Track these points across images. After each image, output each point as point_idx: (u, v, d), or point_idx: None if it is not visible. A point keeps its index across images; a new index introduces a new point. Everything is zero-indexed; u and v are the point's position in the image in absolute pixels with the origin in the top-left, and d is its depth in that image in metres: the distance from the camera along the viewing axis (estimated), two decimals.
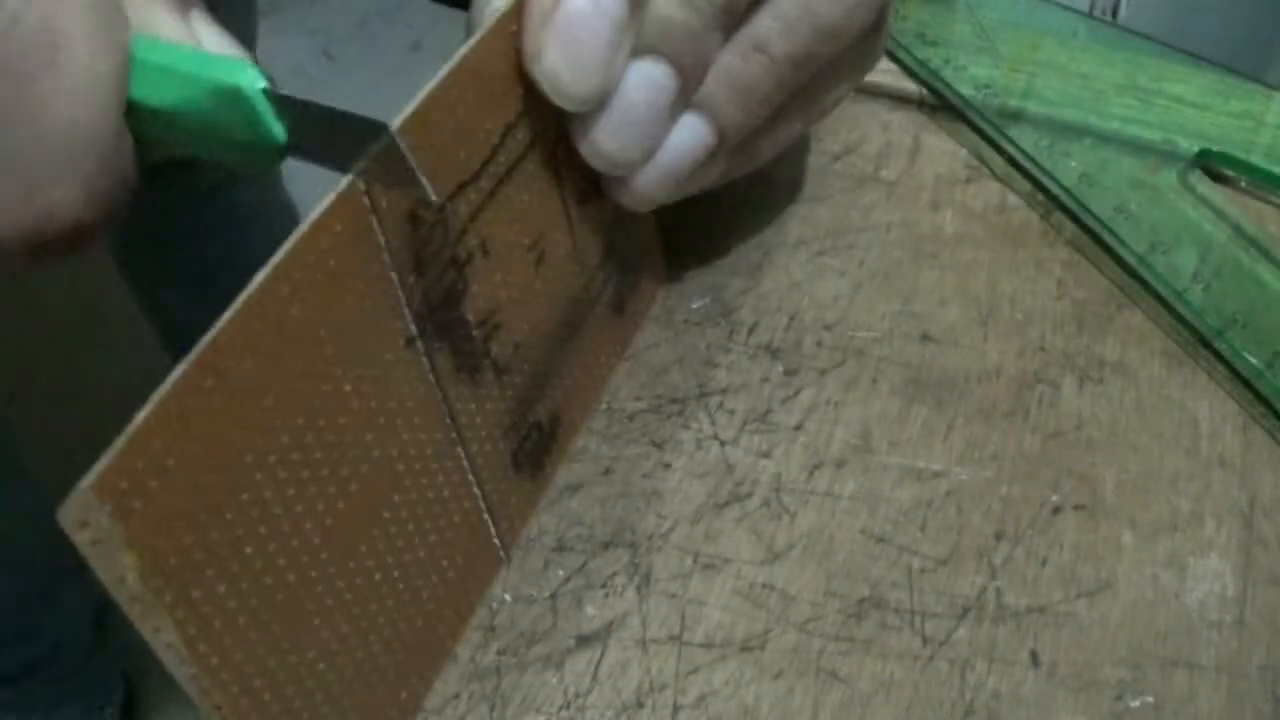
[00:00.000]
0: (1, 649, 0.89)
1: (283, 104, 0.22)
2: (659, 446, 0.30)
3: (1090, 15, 0.49)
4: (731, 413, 0.30)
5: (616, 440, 0.30)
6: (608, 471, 0.29)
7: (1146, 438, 0.30)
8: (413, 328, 0.23)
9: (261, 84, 0.22)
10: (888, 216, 0.35)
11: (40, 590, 0.91)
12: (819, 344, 0.32)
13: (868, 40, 0.29)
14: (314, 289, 0.21)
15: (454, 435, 0.25)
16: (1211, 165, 0.36)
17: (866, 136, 0.38)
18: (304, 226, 0.21)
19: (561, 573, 0.27)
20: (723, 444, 0.30)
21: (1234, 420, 0.31)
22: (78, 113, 0.20)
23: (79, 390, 1.24)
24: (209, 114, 0.22)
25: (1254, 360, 0.31)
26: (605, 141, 0.26)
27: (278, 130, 0.22)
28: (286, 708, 0.21)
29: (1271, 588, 0.27)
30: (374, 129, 0.21)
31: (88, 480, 0.17)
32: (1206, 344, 0.32)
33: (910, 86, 0.39)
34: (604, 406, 0.30)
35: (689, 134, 0.27)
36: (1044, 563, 0.28)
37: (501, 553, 0.27)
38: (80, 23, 0.20)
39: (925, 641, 0.26)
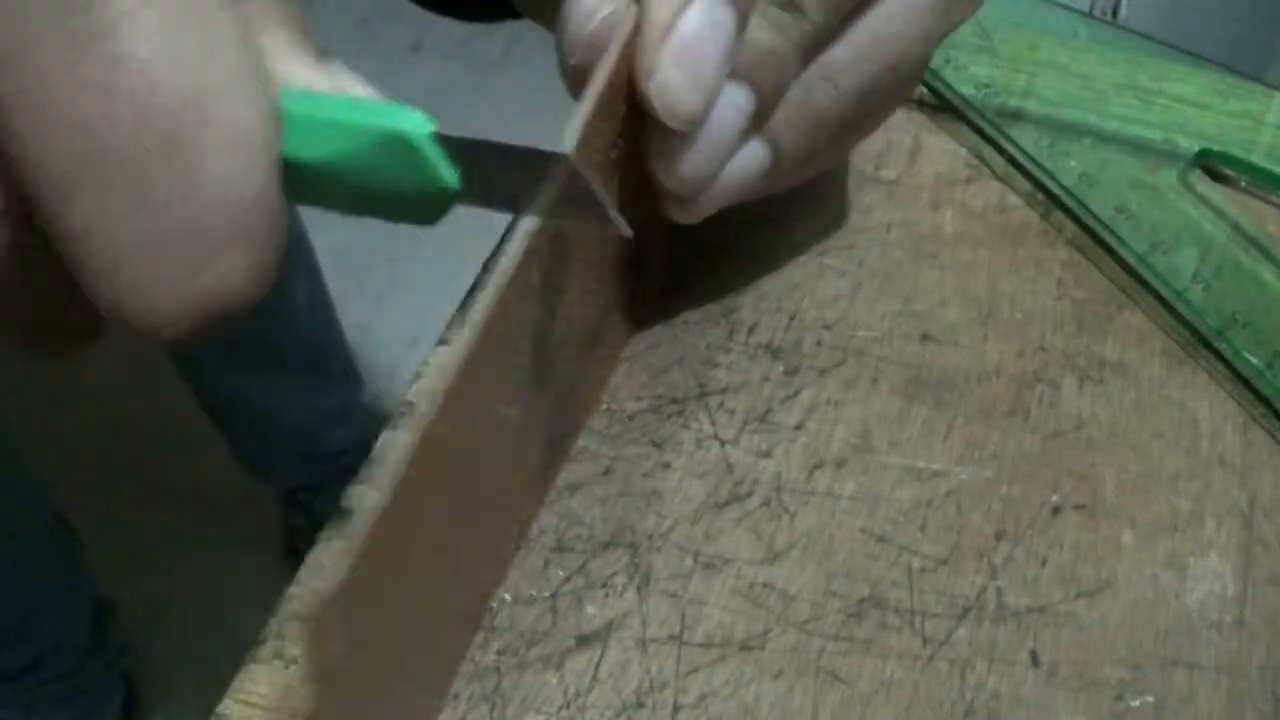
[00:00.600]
0: (1, 648, 0.89)
1: (453, 146, 0.20)
2: (659, 446, 0.30)
3: (1090, 15, 0.49)
4: (731, 412, 0.30)
5: (616, 440, 0.30)
6: (608, 471, 0.29)
7: (1146, 438, 0.30)
8: (524, 360, 0.24)
9: (429, 128, 0.20)
10: (888, 216, 0.35)
11: (39, 590, 0.91)
12: (819, 344, 0.32)
13: (918, 72, 0.30)
14: (480, 359, 0.21)
15: (514, 452, 0.26)
16: (1211, 165, 0.36)
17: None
18: (500, 276, 0.21)
19: (561, 573, 0.27)
20: (723, 444, 0.30)
21: (1234, 420, 0.31)
22: (236, 173, 0.19)
23: (79, 390, 1.24)
24: (371, 165, 0.21)
25: (1254, 360, 0.31)
26: (685, 161, 0.26)
27: (449, 176, 0.21)
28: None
29: (1271, 588, 0.27)
30: (560, 162, 0.20)
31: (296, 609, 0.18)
32: (1206, 344, 0.32)
33: None
34: (604, 407, 0.30)
35: (750, 158, 0.27)
36: (1044, 563, 0.28)
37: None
38: (225, 79, 0.19)
39: (925, 641, 0.26)
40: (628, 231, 0.21)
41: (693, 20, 0.24)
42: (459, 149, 0.20)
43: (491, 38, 1.68)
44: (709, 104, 0.26)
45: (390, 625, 0.21)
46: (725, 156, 0.27)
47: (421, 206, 0.21)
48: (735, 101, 0.26)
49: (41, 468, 0.90)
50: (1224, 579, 0.27)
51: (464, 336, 0.20)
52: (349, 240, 1.29)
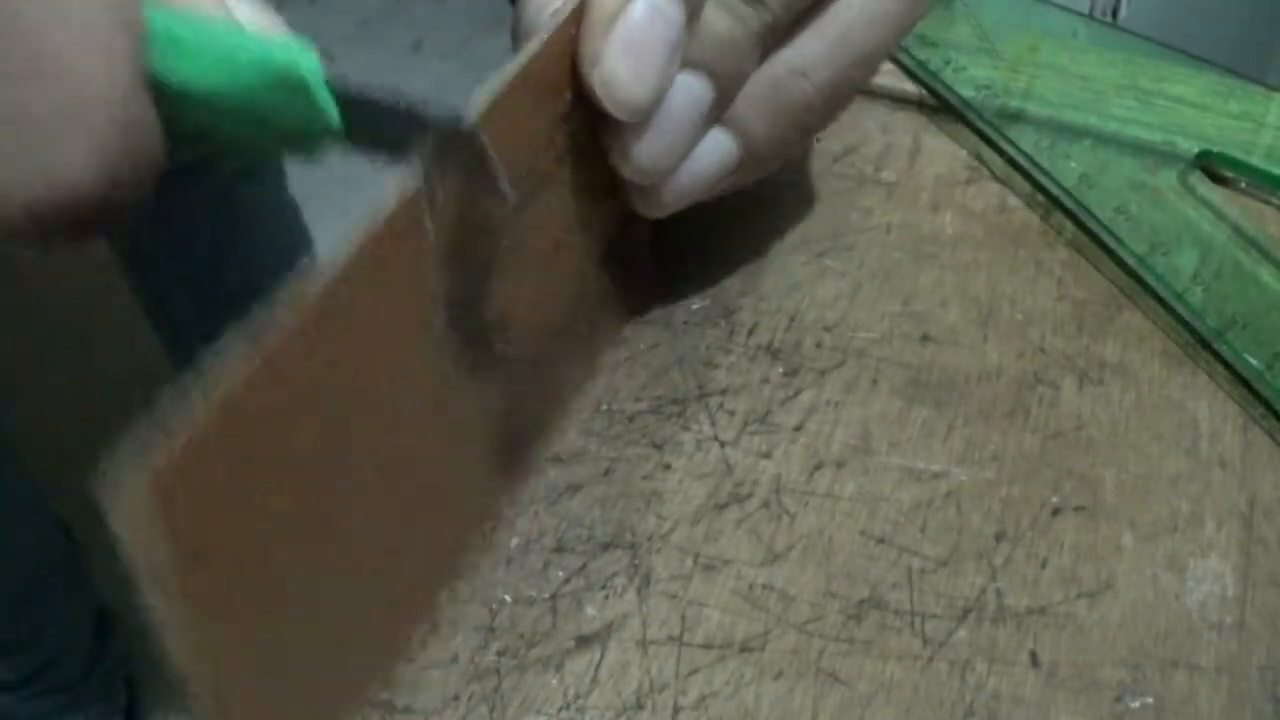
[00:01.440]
0: (2, 656, 0.89)
1: (342, 90, 0.21)
2: (659, 447, 0.30)
3: (1090, 16, 0.49)
4: (731, 413, 0.30)
5: (616, 441, 0.30)
6: (608, 472, 0.29)
7: (1146, 438, 0.30)
8: (438, 324, 0.23)
9: (318, 67, 0.20)
10: (888, 217, 0.35)
11: (40, 597, 0.91)
12: (819, 345, 0.32)
13: (885, 57, 0.30)
14: (368, 286, 0.20)
15: (452, 433, 0.25)
16: (1211, 166, 0.36)
17: (866, 137, 0.38)
18: (367, 221, 0.20)
19: (561, 574, 0.27)
20: (723, 445, 0.30)
21: (1234, 421, 0.31)
22: (87, 66, 0.19)
23: (79, 390, 1.24)
24: (255, 98, 0.21)
25: (1254, 361, 0.31)
26: (640, 151, 0.26)
27: (334, 118, 0.21)
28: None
29: (1271, 588, 0.27)
30: (452, 123, 0.20)
31: (135, 463, 0.17)
32: (1206, 345, 0.32)
33: (910, 87, 0.39)
34: (604, 408, 0.30)
35: (716, 149, 0.27)
36: (1044, 563, 0.28)
37: (482, 539, 0.27)
38: None
39: (925, 642, 0.26)
40: (512, 200, 0.21)
41: (639, 10, 0.24)
42: (351, 94, 0.20)
43: (492, 38, 1.68)
44: (656, 95, 0.25)
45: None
46: (684, 147, 0.27)
47: (303, 144, 0.21)
48: (693, 91, 0.26)
49: (42, 469, 0.90)
50: (1224, 580, 0.27)
51: (328, 268, 0.20)
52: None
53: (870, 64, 0.28)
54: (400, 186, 0.20)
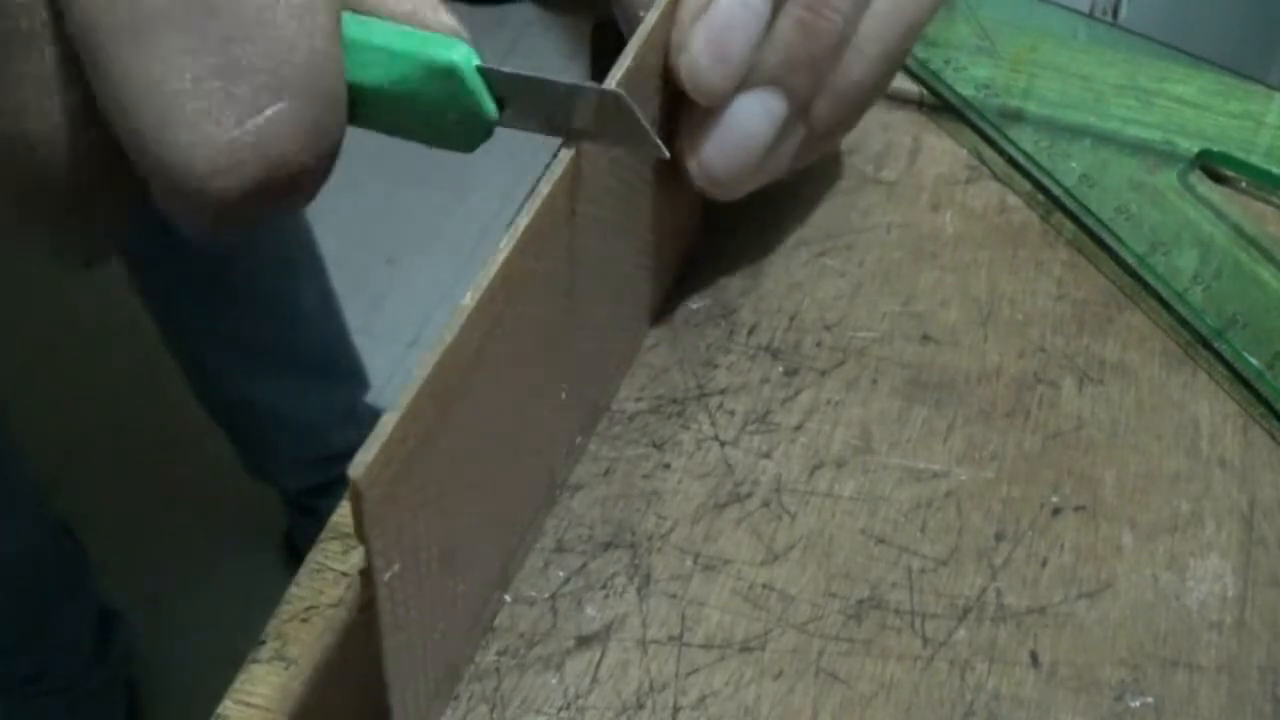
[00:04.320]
0: (3, 658, 0.89)
1: (495, 79, 0.22)
2: (659, 447, 0.30)
3: (1090, 15, 0.49)
4: (731, 413, 0.30)
5: (616, 441, 0.30)
6: (608, 472, 0.29)
7: (1146, 438, 0.30)
8: (574, 288, 0.25)
9: (476, 61, 0.22)
10: (888, 217, 0.35)
11: (41, 598, 0.91)
12: (819, 344, 0.32)
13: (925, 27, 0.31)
14: (532, 262, 0.22)
15: (563, 418, 0.28)
16: (1211, 166, 0.36)
17: (866, 137, 0.38)
18: (534, 201, 0.22)
19: (561, 573, 0.27)
20: (723, 444, 0.30)
21: (1234, 420, 0.31)
22: (296, 28, 0.19)
23: (79, 390, 1.24)
24: (419, 92, 0.22)
25: (1254, 361, 0.31)
26: (714, 162, 0.28)
27: (489, 107, 0.22)
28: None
29: (1271, 588, 0.27)
30: (600, 95, 0.22)
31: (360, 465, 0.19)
32: (1206, 344, 0.32)
33: (910, 86, 0.39)
34: (604, 407, 0.30)
35: (758, 112, 0.28)
36: (1044, 563, 0.28)
37: (556, 492, 0.29)
38: None
39: (925, 642, 0.26)
40: (665, 153, 0.23)
41: (728, 1, 0.26)
42: (504, 82, 0.22)
43: (498, 33, 1.68)
44: (734, 83, 0.27)
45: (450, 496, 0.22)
46: (756, 159, 0.28)
47: (461, 132, 0.23)
48: (768, 107, 0.28)
49: (42, 472, 0.90)
50: (1224, 580, 0.27)
51: (510, 238, 0.22)
52: (349, 240, 1.29)
53: (916, 34, 0.29)
54: (556, 166, 0.22)
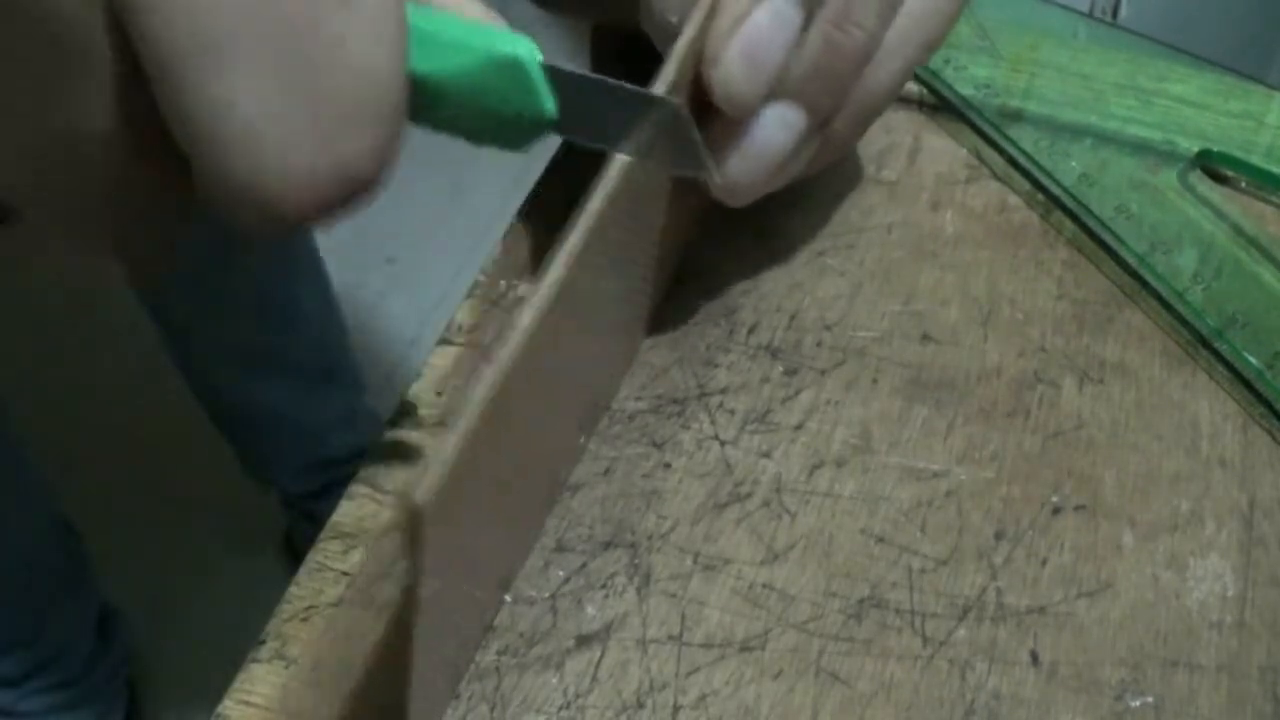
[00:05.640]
0: (4, 653, 0.89)
1: (558, 77, 0.22)
2: (659, 446, 0.30)
3: (1090, 15, 0.49)
4: (731, 413, 0.30)
5: (616, 440, 0.30)
6: (608, 471, 0.29)
7: (1146, 438, 0.30)
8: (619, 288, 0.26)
9: (539, 56, 0.22)
10: (888, 216, 0.35)
11: (42, 594, 0.91)
12: (819, 344, 0.32)
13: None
14: (588, 271, 0.22)
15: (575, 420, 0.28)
16: (1211, 165, 0.36)
17: (867, 137, 0.38)
18: (593, 203, 0.22)
19: (561, 573, 0.27)
20: (723, 444, 0.30)
21: (1234, 420, 0.31)
22: (371, 54, 0.19)
23: (79, 390, 1.24)
24: (481, 84, 0.22)
25: (1254, 360, 0.31)
26: (733, 170, 0.28)
27: (550, 104, 0.22)
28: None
29: (1271, 588, 0.27)
30: (660, 106, 0.22)
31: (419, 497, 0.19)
32: (1206, 344, 0.32)
33: (910, 86, 0.39)
34: (604, 407, 0.30)
35: (790, 133, 0.28)
36: (1044, 563, 0.28)
37: (558, 492, 0.29)
38: None
39: (925, 641, 0.26)
40: (719, 180, 0.23)
41: (763, 16, 0.26)
42: (567, 80, 0.22)
43: None
44: (764, 95, 0.27)
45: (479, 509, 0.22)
46: (772, 171, 0.28)
47: (519, 129, 0.22)
48: (790, 120, 0.28)
49: (43, 471, 0.90)
50: (1224, 579, 0.27)
51: (563, 252, 0.22)
52: (349, 240, 1.29)
53: (934, 49, 0.30)
54: (617, 171, 0.22)
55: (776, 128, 0.28)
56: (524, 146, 0.23)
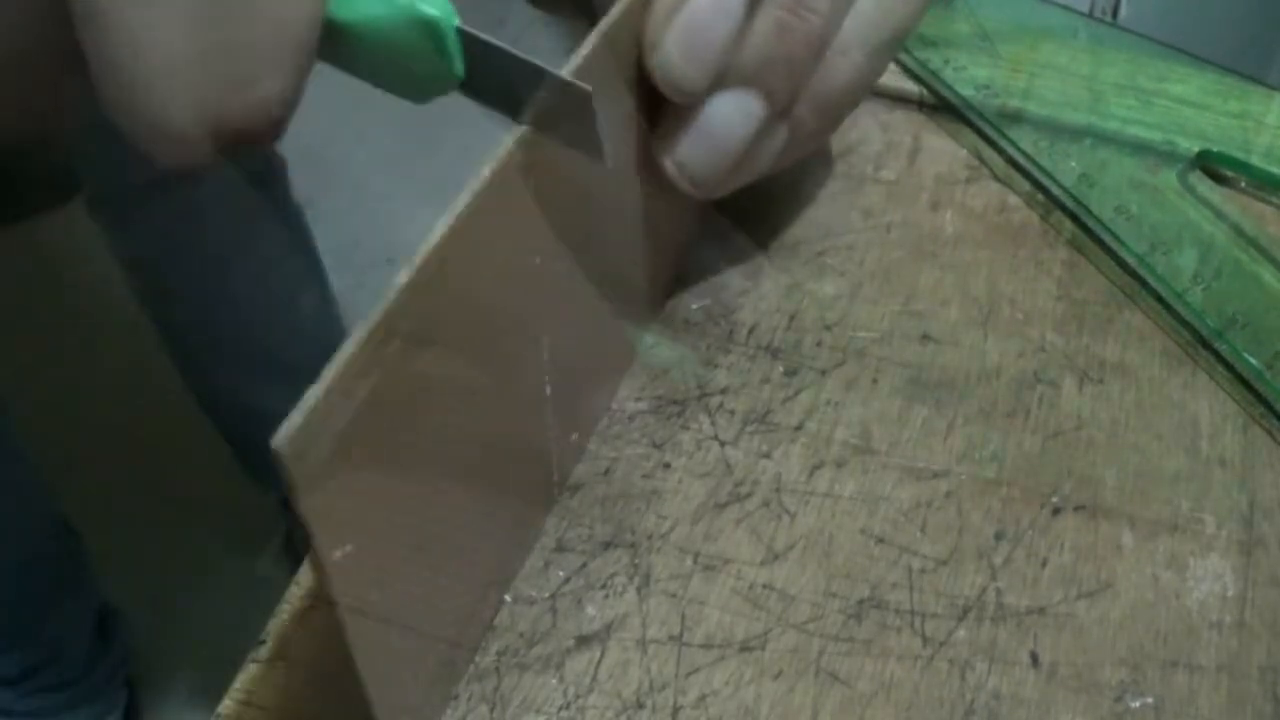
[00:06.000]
0: (3, 652, 0.89)
1: (471, 42, 0.22)
2: (659, 447, 0.30)
3: (1090, 15, 0.49)
4: (731, 413, 0.30)
5: (616, 440, 0.30)
6: (608, 472, 0.29)
7: (1146, 438, 0.30)
8: (538, 264, 0.25)
9: (456, 20, 0.22)
10: (888, 217, 0.35)
11: (42, 594, 0.91)
12: (819, 344, 0.32)
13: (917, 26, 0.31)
14: (478, 235, 0.22)
15: (546, 392, 0.27)
16: (1211, 166, 0.36)
17: (866, 136, 0.38)
18: (483, 174, 0.22)
19: (561, 573, 0.27)
20: (723, 444, 0.30)
21: (1234, 420, 0.31)
22: (290, 5, 0.20)
23: (79, 390, 1.24)
24: (396, 40, 0.22)
25: (1254, 360, 0.31)
26: (692, 162, 0.28)
27: (459, 66, 0.23)
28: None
29: (1271, 588, 0.27)
30: (565, 86, 0.22)
31: (294, 427, 0.19)
32: (1206, 344, 0.32)
33: (910, 86, 0.39)
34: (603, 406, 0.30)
35: (750, 123, 0.28)
36: (1044, 563, 0.28)
37: (555, 492, 0.29)
38: None
39: (925, 642, 0.26)
40: (608, 163, 0.23)
41: (703, 0, 0.26)
42: (479, 47, 0.22)
43: (498, 33, 1.68)
44: (708, 81, 0.27)
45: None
46: (733, 160, 0.28)
47: (425, 85, 0.23)
48: (745, 107, 0.27)
49: (43, 470, 0.90)
50: (1224, 579, 0.27)
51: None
52: (349, 240, 1.29)
53: (901, 39, 0.29)
54: (506, 144, 0.22)
55: (733, 115, 0.27)
56: (426, 100, 0.23)
